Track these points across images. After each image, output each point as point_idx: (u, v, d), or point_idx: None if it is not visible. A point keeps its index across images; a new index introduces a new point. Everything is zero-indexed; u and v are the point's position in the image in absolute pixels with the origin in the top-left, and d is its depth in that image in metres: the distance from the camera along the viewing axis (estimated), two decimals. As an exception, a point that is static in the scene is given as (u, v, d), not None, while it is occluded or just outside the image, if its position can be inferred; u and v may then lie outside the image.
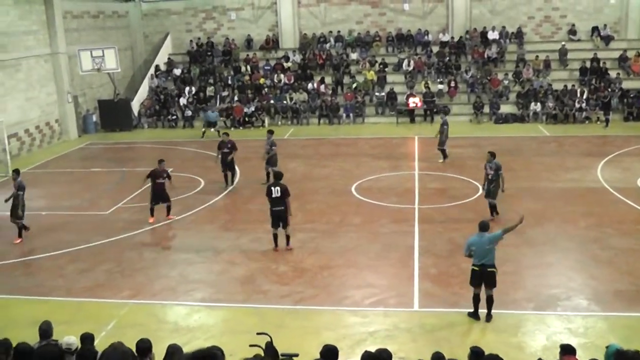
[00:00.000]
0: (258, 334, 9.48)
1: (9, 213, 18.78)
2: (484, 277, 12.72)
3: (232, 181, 23.70)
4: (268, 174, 22.91)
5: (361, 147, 29.56)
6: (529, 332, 12.49)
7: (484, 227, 12.96)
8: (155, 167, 20.09)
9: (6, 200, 18.84)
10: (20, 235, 18.81)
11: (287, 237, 17.15)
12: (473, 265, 12.83)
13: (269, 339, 9.13)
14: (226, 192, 22.88)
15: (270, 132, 23.91)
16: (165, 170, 20.21)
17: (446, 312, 13.29)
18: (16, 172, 19.23)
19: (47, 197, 23.53)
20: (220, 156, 23.36)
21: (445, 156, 25.64)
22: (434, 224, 18.64)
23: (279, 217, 16.97)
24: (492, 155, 18.75)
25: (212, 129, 32.95)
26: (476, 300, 12.91)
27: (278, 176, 17.33)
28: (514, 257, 15.97)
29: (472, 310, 13.00)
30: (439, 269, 15.53)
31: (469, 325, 12.73)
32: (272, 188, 16.95)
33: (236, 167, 23.97)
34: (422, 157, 26.39)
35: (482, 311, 12.92)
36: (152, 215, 20.12)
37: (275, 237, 17.15)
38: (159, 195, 20.05)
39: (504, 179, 18.62)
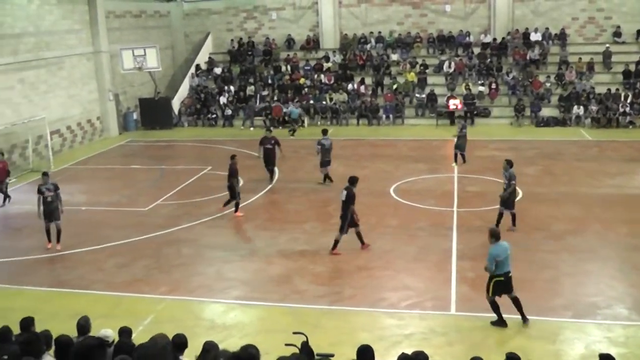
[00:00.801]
0: (294, 333, 9.49)
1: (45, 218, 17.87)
2: (507, 284, 12.59)
3: (271, 179, 23.87)
4: (325, 177, 23.29)
5: (400, 148, 29.44)
6: (567, 340, 12.30)
7: (498, 235, 12.79)
8: (232, 162, 20.44)
9: (61, 211, 18.07)
10: (59, 240, 18.17)
11: (335, 241, 16.91)
12: (497, 276, 12.51)
13: (304, 339, 9.14)
14: (264, 191, 22.94)
15: (322, 131, 24.00)
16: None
17: (483, 317, 13.12)
18: (47, 174, 18.45)
19: (87, 193, 23.84)
20: (262, 152, 23.62)
21: (456, 160, 25.41)
22: (472, 228, 18.46)
23: (341, 220, 16.87)
24: (509, 163, 17.96)
25: (297, 126, 33.26)
26: (497, 306, 12.70)
27: (350, 180, 17.07)
28: (553, 264, 15.78)
29: (495, 319, 12.77)
30: (476, 273, 15.29)
31: (505, 331, 12.57)
32: (342, 191, 16.92)
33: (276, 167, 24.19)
34: (461, 160, 26.15)
35: (508, 317, 12.77)
36: (236, 210, 20.43)
37: (359, 235, 17.07)
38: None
39: (514, 190, 17.95)
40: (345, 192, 16.68)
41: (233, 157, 20.71)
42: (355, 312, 13.71)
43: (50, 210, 17.84)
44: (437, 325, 12.91)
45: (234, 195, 20.23)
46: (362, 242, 17.06)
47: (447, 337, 12.47)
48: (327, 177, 23.36)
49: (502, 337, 12.35)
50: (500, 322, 12.75)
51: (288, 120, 35.35)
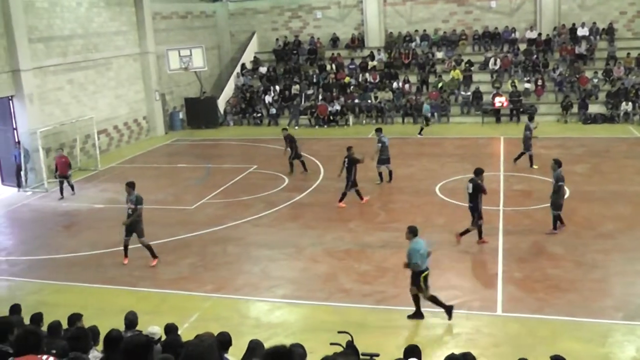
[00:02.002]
0: (339, 332, 9.48)
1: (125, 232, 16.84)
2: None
3: (304, 168, 25.22)
4: (380, 174, 23.26)
5: (446, 147, 29.20)
6: (617, 342, 12.05)
7: (416, 231, 13.23)
8: (349, 154, 20.92)
9: (125, 224, 16.73)
10: (154, 256, 16.99)
11: (478, 232, 17.15)
12: (424, 271, 12.93)
13: (350, 338, 9.11)
14: (310, 190, 22.94)
15: (377, 130, 23.81)
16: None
17: (530, 318, 12.98)
18: (132, 185, 16.88)
19: (134, 192, 24.15)
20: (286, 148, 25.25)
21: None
22: (519, 227, 18.24)
23: (470, 212, 17.09)
24: (557, 163, 17.64)
25: (430, 122, 32.24)
26: (435, 297, 13.12)
27: (476, 172, 17.24)
28: (603, 264, 15.50)
29: (413, 311, 13.22)
30: (523, 273, 15.17)
31: (553, 332, 12.38)
32: (468, 183, 17.05)
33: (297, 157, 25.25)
34: (507, 158, 25.84)
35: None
36: (341, 200, 21.13)
37: (479, 229, 17.23)
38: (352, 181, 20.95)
39: (564, 192, 17.72)
40: (471, 185, 16.91)
41: (350, 148, 21.21)
42: (400, 311, 13.60)
43: (135, 223, 16.66)
44: (484, 326, 12.79)
45: (350, 184, 20.82)
46: (481, 237, 17.26)
47: (494, 337, 12.34)
48: (381, 175, 23.33)
49: (549, 338, 12.15)
50: (419, 315, 13.16)
51: (333, 119, 35.34)
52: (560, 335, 12.30)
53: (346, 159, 20.79)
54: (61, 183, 23.86)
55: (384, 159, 23.02)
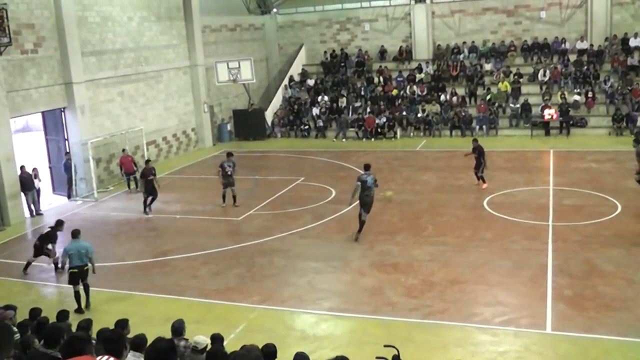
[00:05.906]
0: (385, 346, 9.39)
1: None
2: (83, 275, 15.20)
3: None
4: (224, 195, 23.28)
5: (494, 160, 28.72)
6: (673, 363, 11.70)
7: (75, 234, 15.52)
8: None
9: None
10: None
11: None
12: (72, 268, 15.10)
13: (395, 352, 9.03)
14: (357, 203, 22.83)
15: (229, 154, 23.96)
16: None
17: (580, 337, 12.63)
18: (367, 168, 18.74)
19: (182, 202, 24.42)
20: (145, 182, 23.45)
21: None
22: (569, 243, 17.86)
23: None
24: None
25: None
26: (78, 296, 15.20)
27: None
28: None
29: (76, 307, 15.02)
30: (573, 291, 14.83)
31: (605, 353, 12.03)
32: None
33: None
34: (557, 172, 25.44)
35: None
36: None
37: None
38: None
39: None
40: None
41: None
42: (447, 326, 13.46)
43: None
44: (532, 344, 12.52)
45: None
46: None
47: (543, 356, 12.05)
48: (225, 197, 23.42)
49: (601, 359, 11.84)
50: (79, 310, 14.94)
51: (380, 132, 35.26)
52: (612, 355, 11.96)
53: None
54: (128, 180, 26.85)
55: (231, 182, 23.19)
